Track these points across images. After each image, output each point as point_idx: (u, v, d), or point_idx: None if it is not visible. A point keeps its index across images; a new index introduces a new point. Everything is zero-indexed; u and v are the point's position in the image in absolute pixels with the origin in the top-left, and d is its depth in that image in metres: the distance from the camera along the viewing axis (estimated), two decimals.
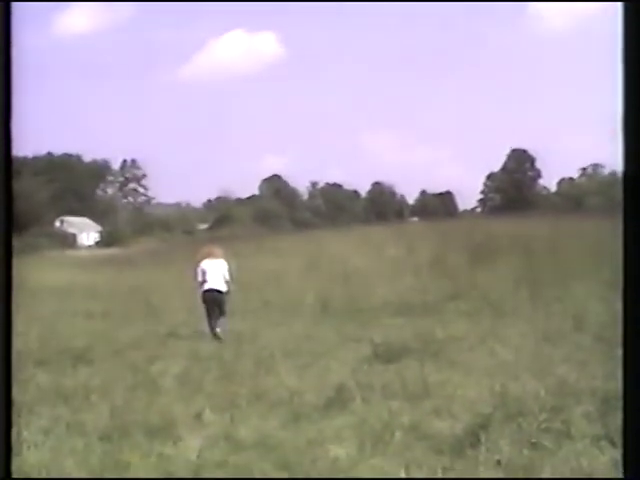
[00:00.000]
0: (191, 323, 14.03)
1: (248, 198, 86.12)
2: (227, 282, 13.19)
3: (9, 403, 2.66)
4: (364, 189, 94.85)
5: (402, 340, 10.87)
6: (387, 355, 9.99)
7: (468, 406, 7.35)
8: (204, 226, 74.79)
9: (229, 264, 13.44)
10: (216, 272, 13.15)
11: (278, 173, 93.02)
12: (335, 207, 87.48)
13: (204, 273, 13.18)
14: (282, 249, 29.54)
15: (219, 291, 13.08)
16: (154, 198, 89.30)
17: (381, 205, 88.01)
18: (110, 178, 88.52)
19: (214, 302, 12.99)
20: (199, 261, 13.40)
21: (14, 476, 5.69)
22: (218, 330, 12.73)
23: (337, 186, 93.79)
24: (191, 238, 58.32)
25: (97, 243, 68.82)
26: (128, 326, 13.91)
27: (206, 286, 13.10)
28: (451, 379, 8.59)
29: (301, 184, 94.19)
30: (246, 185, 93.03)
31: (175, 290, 20.04)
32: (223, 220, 71.77)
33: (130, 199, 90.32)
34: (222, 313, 13.03)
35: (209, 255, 13.43)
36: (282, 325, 13.51)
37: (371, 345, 10.60)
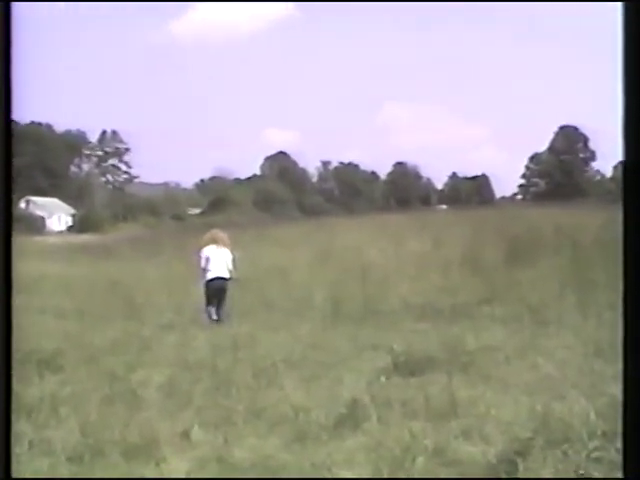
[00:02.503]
0: (179, 324, 14.07)
1: (248, 179, 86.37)
2: (230, 271, 14.15)
3: (9, 403, 2.74)
4: (384, 170, 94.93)
5: (426, 349, 10.85)
6: (409, 367, 9.97)
7: (503, 429, 7.32)
8: (196, 211, 75.04)
9: (232, 252, 14.35)
10: (220, 260, 14.04)
11: (284, 150, 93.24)
12: (350, 191, 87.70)
13: (207, 260, 14.05)
14: (287, 239, 29.55)
15: (223, 279, 14.06)
16: (138, 177, 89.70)
17: (403, 189, 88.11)
18: (86, 152, 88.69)
19: (217, 291, 14.01)
20: (202, 247, 14.23)
21: None
22: (219, 315, 13.96)
23: (353, 166, 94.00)
24: (181, 224, 58.46)
25: (69, 228, 69.08)
26: (105, 327, 13.92)
27: (209, 275, 14.00)
28: (484, 396, 8.56)
29: (311, 163, 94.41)
30: (246, 163, 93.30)
31: (161, 285, 20.07)
32: (218, 204, 72.01)
33: (109, 177, 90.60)
34: (222, 299, 14.07)
35: (213, 241, 14.25)
36: (286, 329, 13.50)
37: (390, 355, 10.59)
